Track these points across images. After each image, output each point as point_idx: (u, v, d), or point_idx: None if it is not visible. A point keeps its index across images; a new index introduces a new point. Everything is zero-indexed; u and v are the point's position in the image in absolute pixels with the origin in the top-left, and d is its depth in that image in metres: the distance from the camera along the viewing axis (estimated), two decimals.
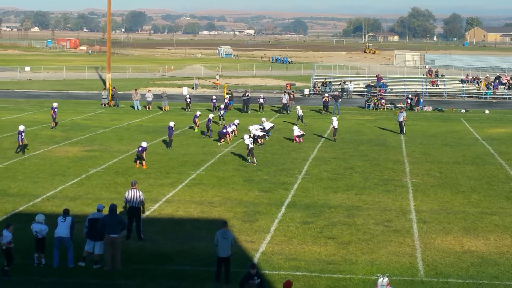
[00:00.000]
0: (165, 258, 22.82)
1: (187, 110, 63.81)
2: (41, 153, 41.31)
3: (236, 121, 48.92)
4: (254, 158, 38.99)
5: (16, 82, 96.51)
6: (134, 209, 24.83)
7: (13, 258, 21.13)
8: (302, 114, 54.73)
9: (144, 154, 37.59)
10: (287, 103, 64.11)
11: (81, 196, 30.95)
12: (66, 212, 22.53)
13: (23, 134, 40.93)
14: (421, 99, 70.21)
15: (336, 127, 46.82)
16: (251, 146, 38.88)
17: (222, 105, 57.06)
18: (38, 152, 41.62)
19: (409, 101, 68.66)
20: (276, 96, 74.45)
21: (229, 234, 20.98)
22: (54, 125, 51.84)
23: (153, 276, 21.26)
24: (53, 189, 32.19)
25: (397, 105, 68.35)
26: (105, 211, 22.92)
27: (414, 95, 70.78)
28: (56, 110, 52.49)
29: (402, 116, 51.50)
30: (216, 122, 53.97)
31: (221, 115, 55.07)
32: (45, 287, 20.31)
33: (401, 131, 51.18)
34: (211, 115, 50.05)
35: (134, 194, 24.88)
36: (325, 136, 46.99)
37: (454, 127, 56.09)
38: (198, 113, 52.43)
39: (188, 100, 64.79)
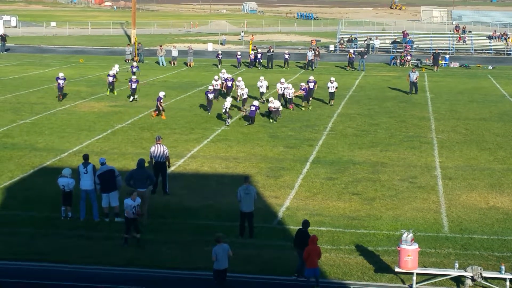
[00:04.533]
0: (190, 213, 23.01)
1: (218, 66, 63.29)
2: (67, 108, 41.54)
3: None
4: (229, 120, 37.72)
5: (42, 37, 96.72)
6: (159, 164, 24.97)
7: (132, 228, 20.21)
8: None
9: None
10: (312, 59, 63.69)
11: (107, 151, 31.14)
12: (86, 158, 22.56)
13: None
14: (447, 56, 69.35)
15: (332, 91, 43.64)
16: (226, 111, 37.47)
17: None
18: (64, 107, 41.85)
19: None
20: (301, 53, 74.05)
21: (252, 189, 21.04)
22: (61, 97, 44.30)
23: (178, 230, 21.45)
24: (79, 144, 32.43)
25: (423, 62, 67.63)
26: (127, 166, 22.97)
27: (432, 53, 68.46)
28: (61, 82, 44.22)
29: (415, 75, 48.72)
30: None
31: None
32: (71, 239, 20.57)
33: (415, 91, 48.84)
34: (256, 102, 39.12)
35: (158, 149, 24.99)
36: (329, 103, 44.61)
37: (481, 83, 55.53)
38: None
39: (220, 56, 64.50)
